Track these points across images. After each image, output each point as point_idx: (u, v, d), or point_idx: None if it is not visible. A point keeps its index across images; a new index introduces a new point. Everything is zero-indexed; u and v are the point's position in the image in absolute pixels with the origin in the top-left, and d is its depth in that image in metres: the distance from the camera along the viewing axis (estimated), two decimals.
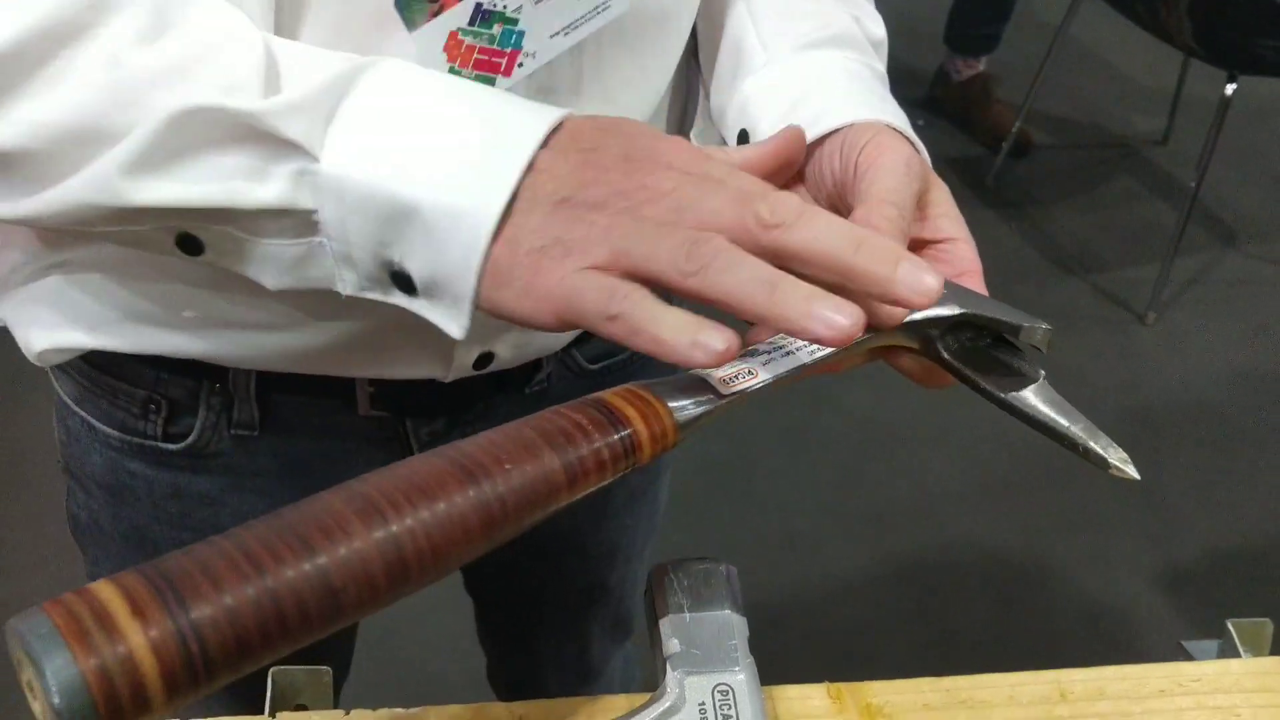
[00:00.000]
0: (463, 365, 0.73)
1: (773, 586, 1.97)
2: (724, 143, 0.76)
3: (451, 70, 0.60)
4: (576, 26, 0.62)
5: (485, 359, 0.73)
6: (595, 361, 0.85)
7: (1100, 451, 0.54)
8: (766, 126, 0.67)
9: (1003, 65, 3.22)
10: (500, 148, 0.50)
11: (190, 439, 0.76)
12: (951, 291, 0.57)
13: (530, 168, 0.49)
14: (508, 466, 0.44)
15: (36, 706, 0.37)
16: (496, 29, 0.60)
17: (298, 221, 0.52)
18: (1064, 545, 2.16)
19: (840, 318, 0.45)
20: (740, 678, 0.57)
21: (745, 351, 0.54)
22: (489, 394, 0.79)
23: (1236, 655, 0.66)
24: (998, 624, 2.01)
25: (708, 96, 0.77)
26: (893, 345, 0.57)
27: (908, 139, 0.62)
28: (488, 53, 0.60)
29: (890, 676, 0.62)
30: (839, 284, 0.48)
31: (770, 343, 0.54)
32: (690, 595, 0.60)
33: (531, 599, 1.11)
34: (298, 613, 0.39)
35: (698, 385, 0.51)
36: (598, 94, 0.67)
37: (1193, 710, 0.61)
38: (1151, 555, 2.15)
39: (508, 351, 0.74)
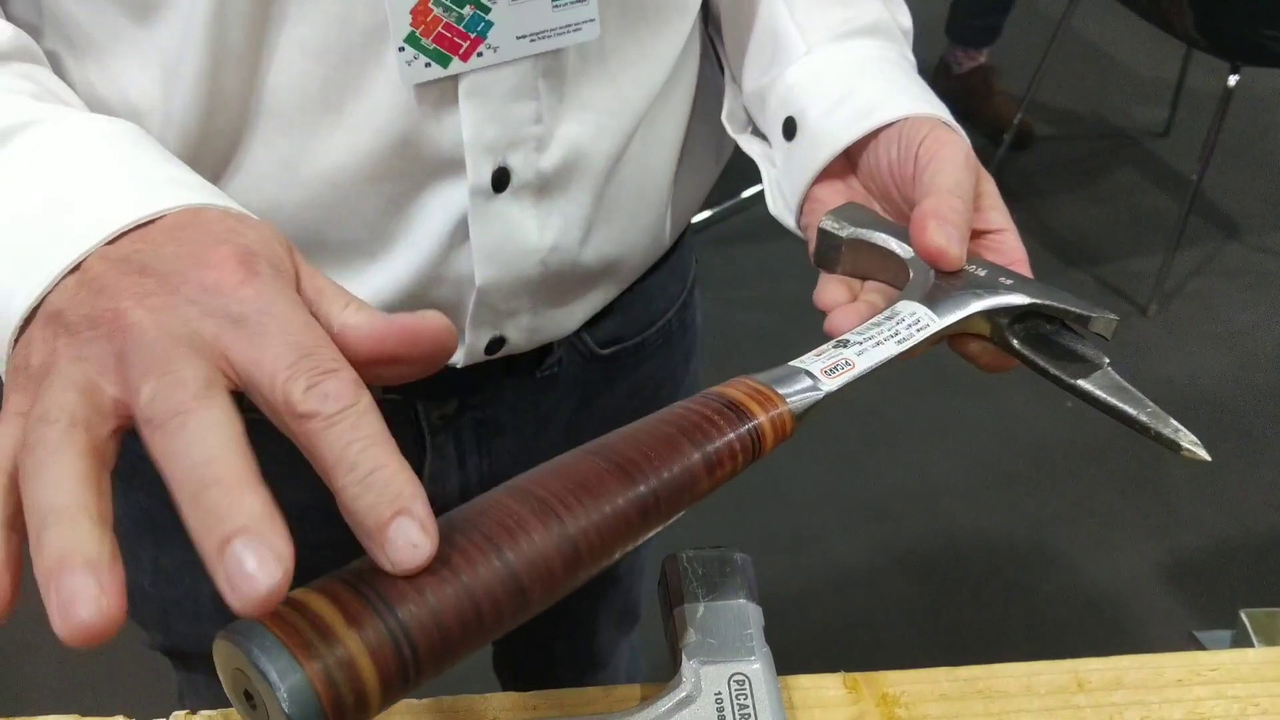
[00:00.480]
0: (475, 350, 0.73)
1: (777, 579, 1.96)
2: (751, 125, 0.77)
3: (410, 37, 0.59)
4: (545, 37, 0.62)
5: (497, 343, 0.73)
6: (606, 346, 0.84)
7: (1171, 436, 0.56)
8: (815, 115, 0.68)
9: (1004, 57, 3.21)
10: (42, 256, 0.44)
11: None
12: (1019, 282, 0.59)
13: (75, 269, 0.44)
14: (656, 463, 0.46)
15: (253, 716, 0.38)
16: (468, 10, 0.59)
17: None
18: (1067, 536, 2.16)
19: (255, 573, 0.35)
20: (756, 667, 0.57)
21: (837, 341, 0.56)
22: (500, 377, 0.79)
23: (1249, 644, 0.66)
24: (1003, 615, 2.00)
25: (735, 81, 0.77)
26: (964, 333, 0.59)
27: (955, 132, 0.64)
28: (452, 30, 0.59)
29: (896, 667, 0.62)
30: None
31: (859, 332, 0.56)
32: (705, 584, 0.60)
33: None
34: (493, 610, 0.40)
35: (802, 377, 0.53)
36: (600, 75, 0.67)
37: (1210, 700, 0.61)
38: (1155, 546, 2.15)
39: (519, 336, 0.74)
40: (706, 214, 2.68)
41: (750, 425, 0.49)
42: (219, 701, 0.61)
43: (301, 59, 0.59)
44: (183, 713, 0.57)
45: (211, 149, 0.61)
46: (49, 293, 0.43)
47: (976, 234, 0.63)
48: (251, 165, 0.62)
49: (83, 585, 0.35)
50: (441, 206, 0.65)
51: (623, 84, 0.68)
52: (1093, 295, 2.69)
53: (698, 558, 0.61)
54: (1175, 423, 0.56)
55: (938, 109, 0.66)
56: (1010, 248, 0.63)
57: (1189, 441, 0.56)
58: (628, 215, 0.74)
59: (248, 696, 0.38)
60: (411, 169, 0.64)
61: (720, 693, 0.56)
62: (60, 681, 1.83)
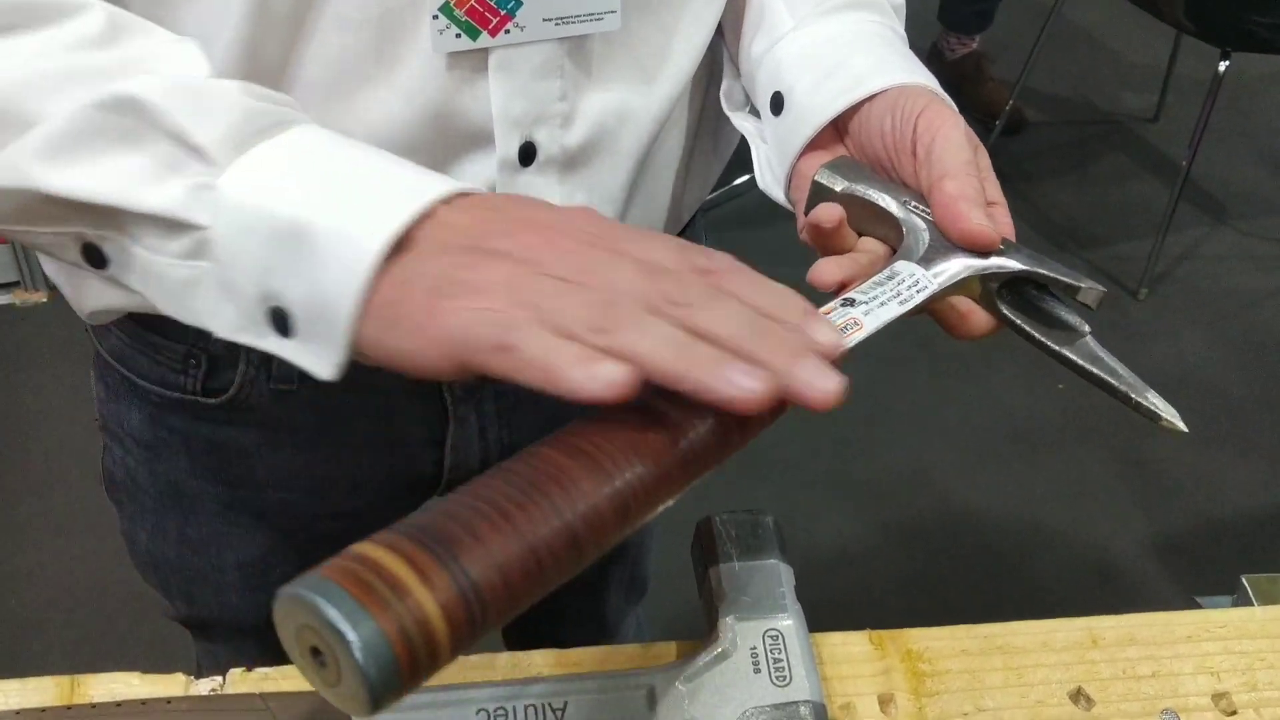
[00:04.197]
0: None
1: None
2: (749, 104, 0.78)
3: (445, 6, 0.61)
4: (568, 22, 0.64)
5: None
6: None
7: (1150, 407, 0.57)
8: (802, 89, 0.69)
9: (996, 43, 3.23)
10: (402, 193, 0.49)
11: (230, 393, 0.77)
12: (1011, 248, 0.60)
13: (428, 215, 0.48)
14: (695, 419, 0.46)
15: (320, 673, 0.39)
16: None
17: (190, 240, 0.51)
18: (1058, 515, 2.18)
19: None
20: (789, 623, 0.59)
21: (844, 299, 0.57)
22: None
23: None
24: (995, 589, 2.03)
25: (732, 61, 0.79)
26: (953, 296, 0.60)
27: (949, 104, 0.65)
28: (484, 5, 0.62)
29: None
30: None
31: (863, 291, 0.57)
32: (738, 545, 0.62)
33: None
34: (553, 563, 0.41)
35: None
36: (625, 59, 0.69)
37: (1219, 655, 0.64)
38: (1145, 523, 2.18)
39: None
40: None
41: None
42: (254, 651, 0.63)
43: (340, 29, 0.61)
44: (239, 671, 0.59)
45: None
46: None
47: None
48: None
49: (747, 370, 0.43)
50: (471, 178, 0.67)
51: (648, 67, 0.70)
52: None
53: (731, 520, 0.63)
54: (1154, 395, 0.57)
55: (928, 79, 0.66)
56: (1002, 221, 0.63)
57: (1168, 413, 0.57)
58: (648, 193, 0.76)
59: (315, 653, 0.38)
60: (444, 140, 0.66)
61: (755, 647, 0.58)
62: (67, 660, 1.85)
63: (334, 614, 0.37)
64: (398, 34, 0.62)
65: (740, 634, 0.59)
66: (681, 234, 0.86)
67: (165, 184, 0.51)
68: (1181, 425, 0.56)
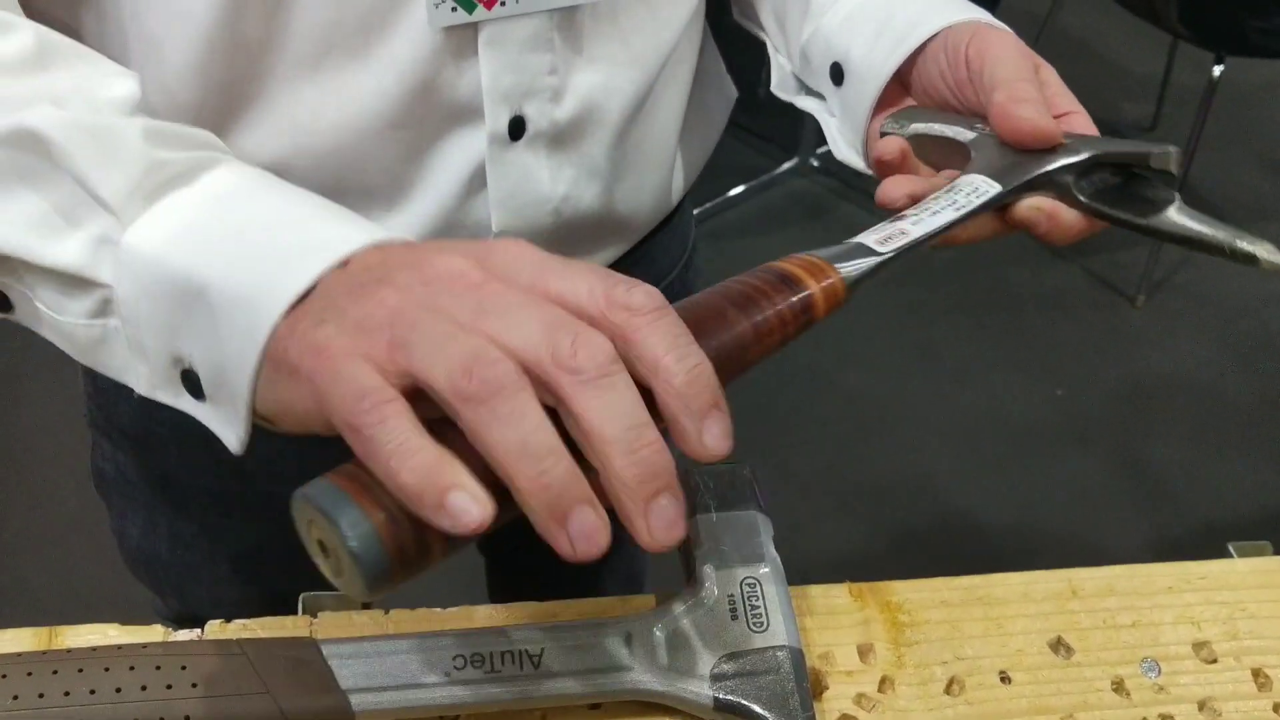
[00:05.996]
0: None
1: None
2: (804, 89, 0.79)
3: None
4: None
5: None
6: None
7: (1248, 248, 0.57)
8: (858, 55, 0.70)
9: None
10: (314, 246, 0.46)
11: None
12: (1079, 141, 0.61)
13: (343, 264, 0.45)
14: (705, 331, 0.47)
15: (328, 563, 0.42)
16: None
17: (94, 299, 0.49)
18: (1057, 519, 2.18)
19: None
20: (766, 571, 0.59)
21: (895, 216, 0.58)
22: None
23: None
24: None
25: (779, 52, 0.80)
26: (1028, 197, 0.61)
27: (1000, 29, 0.66)
28: None
29: None
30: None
31: (918, 208, 0.58)
32: (716, 497, 0.62)
33: (544, 551, 1.12)
34: None
35: (857, 249, 0.55)
36: (612, 32, 0.69)
37: (1200, 605, 0.63)
38: (1144, 528, 2.18)
39: None
40: (695, 211, 2.71)
41: (801, 294, 0.51)
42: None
43: (325, 3, 0.60)
44: (218, 622, 0.59)
45: (230, 95, 0.62)
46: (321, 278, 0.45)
47: None
48: (274, 111, 0.63)
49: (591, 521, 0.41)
50: (461, 153, 0.68)
51: (634, 43, 0.71)
52: (1082, 287, 2.72)
53: (709, 472, 0.63)
54: (1251, 235, 0.57)
55: (978, 14, 0.67)
56: (1080, 127, 0.63)
57: (1266, 251, 0.57)
58: (637, 172, 0.77)
59: (322, 547, 0.41)
60: (432, 115, 0.66)
61: (733, 594, 0.58)
62: None
63: (330, 507, 0.40)
64: (389, 8, 0.62)
65: (718, 582, 0.59)
66: (670, 219, 0.87)
67: (65, 236, 0.48)
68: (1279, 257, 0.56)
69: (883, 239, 0.55)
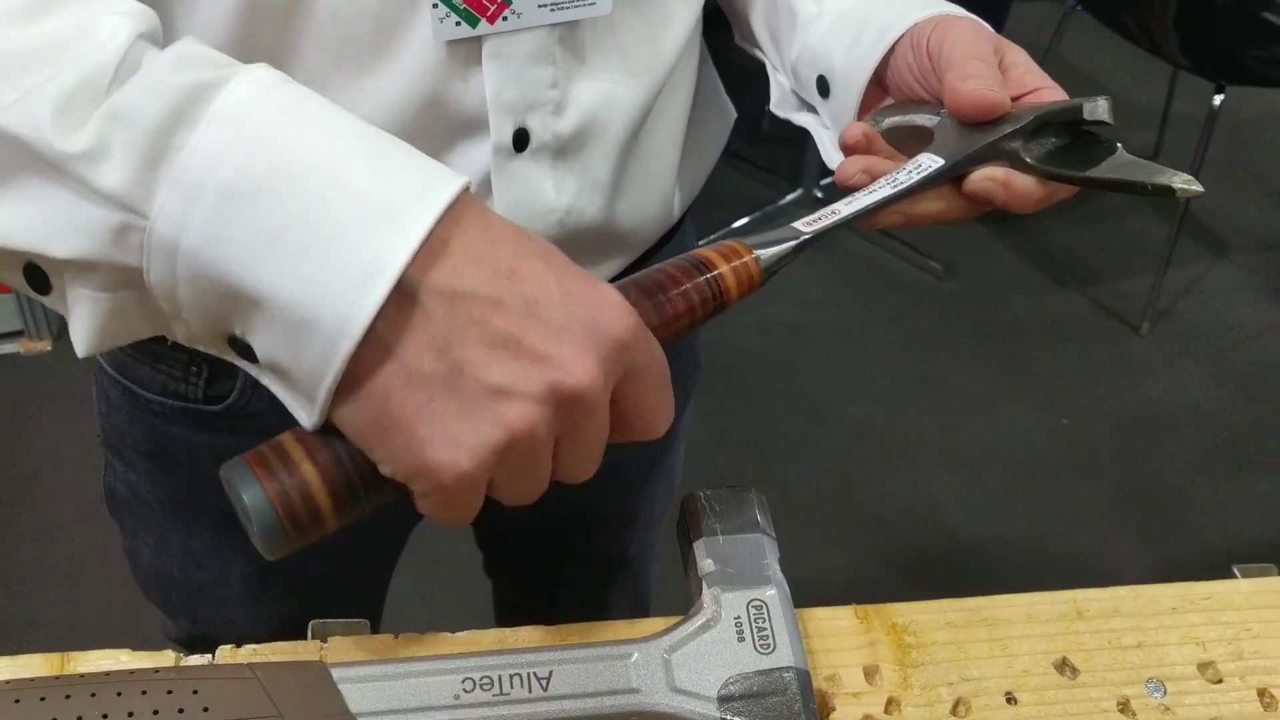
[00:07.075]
0: None
1: None
2: (802, 105, 0.81)
3: None
4: (562, 8, 0.66)
5: None
6: None
7: (1164, 181, 0.58)
8: (839, 64, 0.72)
9: None
10: (379, 232, 0.45)
11: (230, 399, 0.79)
12: (1024, 109, 0.63)
13: (422, 244, 0.45)
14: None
15: (249, 533, 0.48)
16: None
17: (121, 274, 0.48)
18: (1064, 548, 2.18)
19: None
20: (772, 593, 0.60)
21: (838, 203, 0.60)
22: None
23: None
24: None
25: (778, 70, 0.82)
26: (976, 168, 0.63)
27: (964, 17, 0.68)
28: None
29: None
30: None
31: (863, 190, 0.61)
32: (723, 519, 0.63)
33: (551, 574, 1.13)
34: None
35: (786, 233, 0.58)
36: (611, 47, 0.71)
37: (1204, 626, 0.64)
38: (1150, 556, 2.18)
39: None
40: (700, 243, 2.72)
41: (709, 276, 0.54)
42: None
43: (336, 17, 0.62)
44: (229, 647, 0.60)
45: None
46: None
47: (1015, 99, 0.66)
48: None
49: None
50: (466, 164, 0.69)
51: (634, 57, 0.72)
52: (1086, 316, 2.73)
53: (715, 495, 0.64)
54: (1172, 170, 0.59)
55: (948, 9, 0.70)
56: (1049, 98, 0.65)
57: (1182, 181, 0.58)
58: (639, 185, 0.78)
59: (243, 514, 0.48)
60: (438, 127, 0.67)
61: (739, 617, 0.59)
62: None
63: (237, 482, 0.47)
64: (394, 22, 0.63)
65: (724, 604, 0.59)
66: (673, 233, 0.88)
67: (77, 231, 0.46)
68: (1197, 187, 0.57)
69: (811, 220, 0.58)
